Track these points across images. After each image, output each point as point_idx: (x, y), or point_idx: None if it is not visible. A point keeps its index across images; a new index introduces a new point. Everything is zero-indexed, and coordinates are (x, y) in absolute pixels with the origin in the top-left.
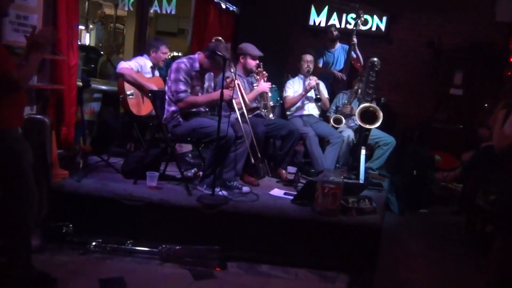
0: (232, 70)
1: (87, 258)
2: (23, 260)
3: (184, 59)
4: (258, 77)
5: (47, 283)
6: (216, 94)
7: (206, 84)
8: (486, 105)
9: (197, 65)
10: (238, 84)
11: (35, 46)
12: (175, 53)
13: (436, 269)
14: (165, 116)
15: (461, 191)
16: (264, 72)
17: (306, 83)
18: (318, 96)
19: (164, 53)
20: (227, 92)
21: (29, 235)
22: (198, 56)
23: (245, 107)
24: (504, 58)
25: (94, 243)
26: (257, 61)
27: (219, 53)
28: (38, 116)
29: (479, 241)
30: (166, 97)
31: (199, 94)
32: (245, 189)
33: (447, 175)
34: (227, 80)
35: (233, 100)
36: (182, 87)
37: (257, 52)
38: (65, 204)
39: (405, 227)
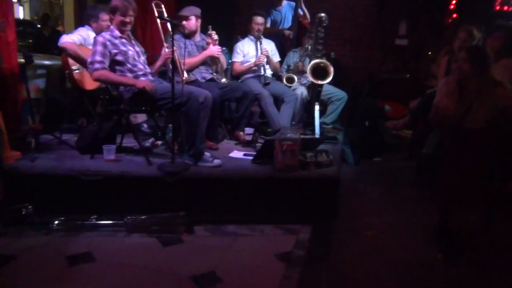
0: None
1: (51, 237)
2: None
3: (104, 32)
4: (209, 40)
5: None
6: (131, 80)
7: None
8: (430, 53)
9: (116, 33)
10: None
11: None
12: None
13: (392, 212)
14: (118, 91)
15: (411, 137)
16: (214, 36)
17: (258, 52)
18: (267, 81)
19: (105, 20)
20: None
21: None
22: None
23: (182, 77)
24: (444, 6)
25: (56, 222)
26: (197, 21)
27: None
28: None
29: (429, 182)
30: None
31: (136, 58)
32: (217, 161)
33: (396, 123)
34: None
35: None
36: (97, 57)
37: (194, 9)
38: (22, 186)
39: (361, 176)
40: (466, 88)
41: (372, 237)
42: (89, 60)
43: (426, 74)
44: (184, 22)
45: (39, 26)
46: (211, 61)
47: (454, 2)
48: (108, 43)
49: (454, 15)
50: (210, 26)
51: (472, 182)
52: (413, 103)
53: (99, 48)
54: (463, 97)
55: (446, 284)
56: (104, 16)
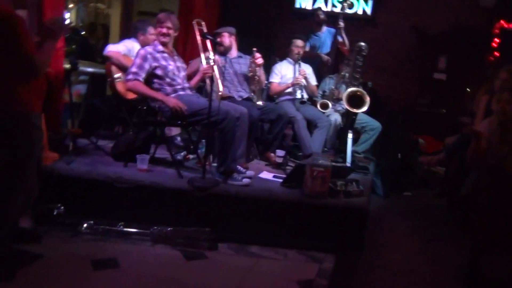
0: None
1: (78, 239)
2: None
3: (146, 46)
4: (251, 60)
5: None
6: (161, 96)
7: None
8: (468, 89)
9: (159, 47)
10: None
11: (49, 34)
12: None
13: (419, 249)
14: (157, 103)
15: (444, 174)
16: (259, 60)
17: (296, 73)
18: (303, 100)
19: (152, 34)
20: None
21: (11, 220)
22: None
23: (217, 92)
24: (486, 43)
25: (85, 225)
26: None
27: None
28: None
29: (461, 222)
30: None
31: (175, 73)
32: (245, 180)
33: (431, 158)
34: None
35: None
36: (134, 68)
37: (230, 28)
38: (56, 187)
39: (390, 209)
40: (509, 129)
41: (397, 273)
42: (128, 69)
43: (463, 111)
44: (217, 39)
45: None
46: (249, 81)
47: (497, 40)
48: (149, 56)
49: (496, 53)
50: (255, 49)
51: (507, 227)
52: (450, 140)
53: (138, 60)
54: (505, 138)
55: None
56: (152, 30)
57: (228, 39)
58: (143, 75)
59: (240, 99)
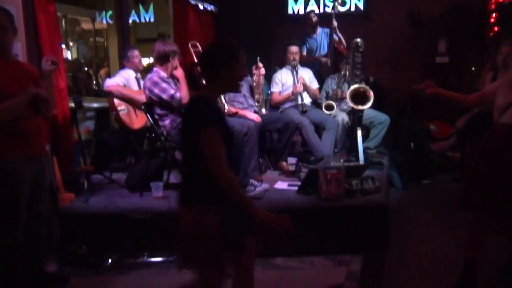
0: None
1: (105, 276)
2: None
3: (149, 75)
4: (255, 71)
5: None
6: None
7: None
8: (473, 68)
9: (163, 74)
10: None
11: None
12: None
13: (447, 238)
14: (165, 129)
15: (460, 157)
16: (262, 71)
17: (296, 80)
18: (305, 109)
19: (135, 56)
20: None
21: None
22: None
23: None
24: (484, 20)
25: (110, 261)
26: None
27: None
28: None
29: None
30: (156, 115)
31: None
32: (259, 189)
33: (442, 144)
34: None
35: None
36: (171, 90)
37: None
38: (76, 226)
39: (411, 200)
40: None
41: (427, 266)
42: (165, 97)
43: (470, 91)
44: None
45: (86, 68)
46: (253, 92)
47: (494, 15)
48: (162, 78)
49: (495, 28)
50: (258, 57)
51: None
52: (460, 122)
53: (163, 84)
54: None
55: None
56: (133, 53)
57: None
58: (175, 87)
59: (253, 110)
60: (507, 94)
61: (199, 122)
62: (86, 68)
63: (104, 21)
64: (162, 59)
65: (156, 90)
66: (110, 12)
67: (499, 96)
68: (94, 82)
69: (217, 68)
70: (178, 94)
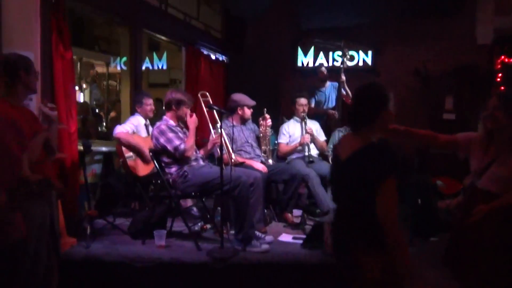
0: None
1: None
2: None
3: (158, 123)
4: (262, 122)
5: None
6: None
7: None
8: (479, 125)
9: (171, 122)
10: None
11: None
12: None
13: None
14: (171, 177)
15: None
16: (269, 122)
17: (303, 131)
18: (311, 160)
19: (149, 104)
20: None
21: None
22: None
23: (230, 160)
24: (489, 79)
25: None
26: (251, 110)
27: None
28: None
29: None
30: (162, 163)
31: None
32: (264, 246)
33: (449, 203)
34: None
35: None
36: (176, 142)
37: (251, 101)
38: (77, 272)
39: (418, 257)
40: (496, 141)
41: None
42: (170, 148)
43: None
44: (246, 110)
45: (98, 111)
46: (260, 141)
47: (500, 75)
48: (169, 127)
49: (502, 88)
50: (265, 109)
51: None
52: (468, 179)
53: (169, 134)
54: (488, 152)
55: None
56: (147, 101)
57: (249, 111)
58: (182, 137)
59: (260, 160)
60: (480, 157)
61: (383, 170)
62: (97, 110)
63: (118, 67)
64: (169, 107)
65: (161, 140)
66: (124, 59)
67: (472, 157)
68: (104, 124)
69: (378, 110)
70: (182, 146)
